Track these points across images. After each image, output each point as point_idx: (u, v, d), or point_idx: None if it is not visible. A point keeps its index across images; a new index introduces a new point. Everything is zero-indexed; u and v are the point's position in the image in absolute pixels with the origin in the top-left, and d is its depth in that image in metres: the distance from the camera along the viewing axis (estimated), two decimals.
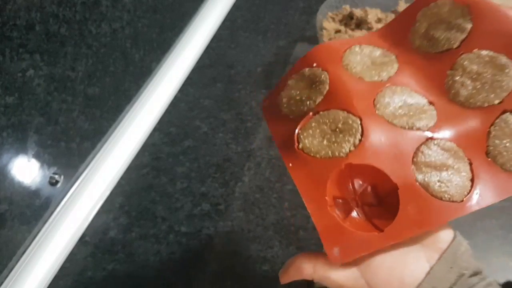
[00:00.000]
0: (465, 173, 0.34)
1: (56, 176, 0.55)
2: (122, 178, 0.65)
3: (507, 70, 0.36)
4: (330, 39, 0.75)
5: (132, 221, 0.60)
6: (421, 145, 0.34)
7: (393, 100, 0.37)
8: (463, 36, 0.39)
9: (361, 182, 0.35)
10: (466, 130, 0.35)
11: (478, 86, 0.36)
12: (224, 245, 0.57)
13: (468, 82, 0.37)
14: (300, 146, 0.36)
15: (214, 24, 0.92)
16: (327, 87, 0.38)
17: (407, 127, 0.35)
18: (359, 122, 0.35)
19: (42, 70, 0.50)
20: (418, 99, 0.38)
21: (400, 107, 0.37)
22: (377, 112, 0.36)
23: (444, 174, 0.33)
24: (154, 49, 0.74)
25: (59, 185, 0.56)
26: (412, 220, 0.32)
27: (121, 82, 0.66)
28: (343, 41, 0.43)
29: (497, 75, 0.36)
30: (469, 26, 0.39)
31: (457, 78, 0.37)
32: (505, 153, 0.34)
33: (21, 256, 0.52)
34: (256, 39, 0.89)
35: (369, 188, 0.35)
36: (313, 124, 0.37)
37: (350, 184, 0.36)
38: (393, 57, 0.42)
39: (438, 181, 0.33)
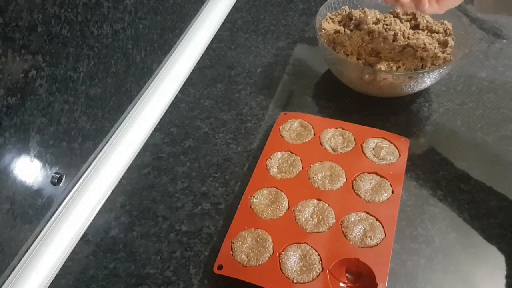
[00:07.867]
0: None
1: (58, 176, 0.55)
2: (123, 177, 0.65)
3: None
4: (329, 39, 0.75)
5: (133, 220, 0.60)
6: None
7: None
8: None
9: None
10: None
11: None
12: None
13: None
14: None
15: (215, 25, 0.92)
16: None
17: None
18: None
19: (44, 71, 0.50)
20: None
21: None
22: None
23: None
24: (155, 50, 0.74)
25: (61, 184, 0.56)
26: None
27: (123, 83, 0.67)
28: None
29: None
30: None
31: None
32: None
33: (23, 255, 0.53)
34: (256, 40, 0.89)
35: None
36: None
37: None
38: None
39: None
